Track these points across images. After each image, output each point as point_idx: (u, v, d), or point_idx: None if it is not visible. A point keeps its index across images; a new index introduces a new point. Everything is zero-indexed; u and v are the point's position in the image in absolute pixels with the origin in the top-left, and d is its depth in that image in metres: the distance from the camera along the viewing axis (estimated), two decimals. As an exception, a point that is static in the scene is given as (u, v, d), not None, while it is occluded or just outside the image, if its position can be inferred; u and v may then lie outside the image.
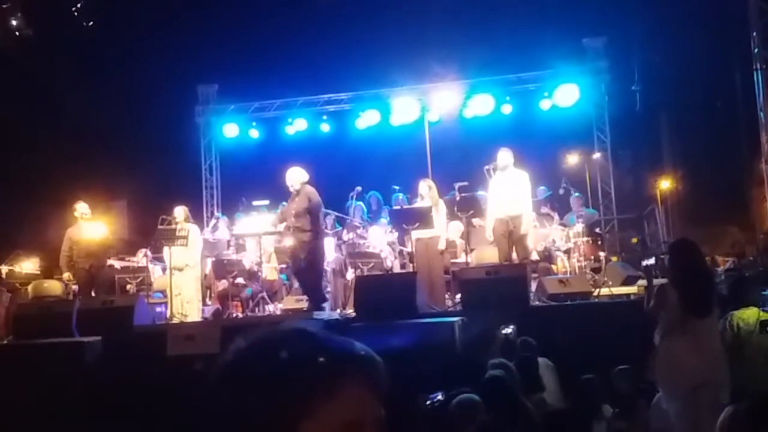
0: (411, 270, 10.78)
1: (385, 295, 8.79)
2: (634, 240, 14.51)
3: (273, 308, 11.17)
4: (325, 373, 1.16)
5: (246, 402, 1.15)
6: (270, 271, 11.94)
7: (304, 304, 10.66)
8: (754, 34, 11.22)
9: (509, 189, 10.35)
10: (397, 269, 11.71)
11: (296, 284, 12.22)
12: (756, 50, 11.24)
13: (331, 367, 1.16)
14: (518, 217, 10.22)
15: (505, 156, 10.47)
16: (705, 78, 14.25)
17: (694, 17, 13.61)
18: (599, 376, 6.40)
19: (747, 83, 12.41)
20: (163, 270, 12.02)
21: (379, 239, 12.14)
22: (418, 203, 11.10)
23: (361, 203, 12.55)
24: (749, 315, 6.76)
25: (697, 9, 13.51)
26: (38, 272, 13.07)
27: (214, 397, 1.19)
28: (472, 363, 6.23)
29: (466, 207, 10.81)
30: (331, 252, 12.19)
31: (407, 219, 10.55)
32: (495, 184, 10.53)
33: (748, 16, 11.36)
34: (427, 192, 10.90)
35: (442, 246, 10.64)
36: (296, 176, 10.15)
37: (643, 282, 8.80)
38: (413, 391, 5.42)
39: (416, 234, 10.75)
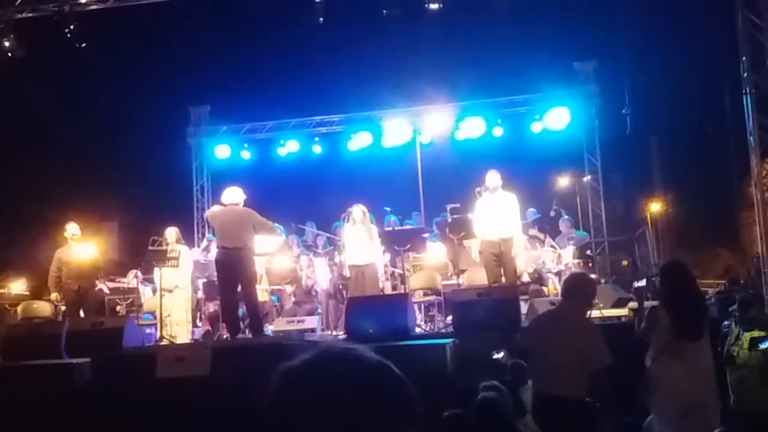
0: (403, 291, 10.77)
1: (376, 317, 8.76)
2: (625, 262, 14.56)
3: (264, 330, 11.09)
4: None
5: None
6: (261, 293, 11.88)
7: (295, 326, 10.62)
8: (744, 58, 11.27)
9: (499, 211, 10.19)
10: (388, 290, 11.68)
11: (287, 306, 12.19)
12: (745, 74, 11.29)
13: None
14: (509, 240, 10.06)
15: (493, 177, 10.30)
16: (695, 102, 14.39)
17: (684, 42, 13.74)
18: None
19: (737, 107, 12.47)
20: (154, 291, 11.96)
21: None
22: (350, 227, 11.02)
23: (350, 225, 12.53)
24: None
25: (687, 33, 13.66)
26: (27, 293, 13.01)
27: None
28: (463, 385, 6.19)
29: (458, 228, 10.78)
30: (322, 273, 12.17)
31: (399, 240, 10.53)
32: (483, 205, 10.34)
33: (737, 40, 11.43)
34: (360, 218, 10.92)
35: (380, 273, 10.64)
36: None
37: (633, 304, 8.78)
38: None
39: (351, 261, 10.79)
